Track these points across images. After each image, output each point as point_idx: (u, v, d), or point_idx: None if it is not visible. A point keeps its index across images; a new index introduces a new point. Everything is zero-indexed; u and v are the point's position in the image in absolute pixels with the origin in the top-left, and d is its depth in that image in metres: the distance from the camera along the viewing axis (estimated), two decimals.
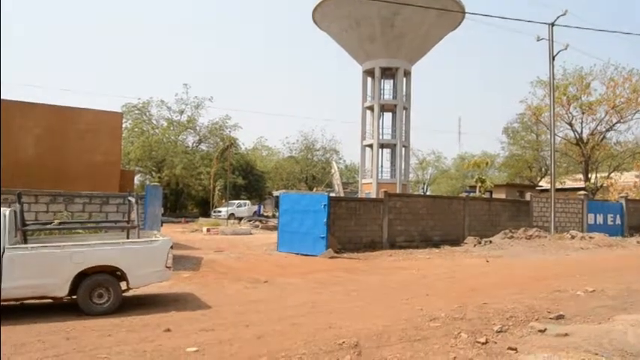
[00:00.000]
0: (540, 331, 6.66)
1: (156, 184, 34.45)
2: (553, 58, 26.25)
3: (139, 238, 8.66)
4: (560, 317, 7.41)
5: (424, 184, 76.92)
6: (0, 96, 15.41)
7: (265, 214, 49.88)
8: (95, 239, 8.87)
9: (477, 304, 8.28)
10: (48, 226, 9.90)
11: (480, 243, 20.60)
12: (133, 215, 9.10)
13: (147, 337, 6.07)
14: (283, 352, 5.48)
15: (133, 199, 9.25)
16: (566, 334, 6.47)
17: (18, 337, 6.00)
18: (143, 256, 8.13)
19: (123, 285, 8.02)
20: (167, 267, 8.29)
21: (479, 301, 8.62)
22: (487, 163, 43.40)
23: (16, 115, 18.62)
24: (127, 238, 8.74)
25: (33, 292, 7.49)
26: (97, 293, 7.63)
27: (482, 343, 5.98)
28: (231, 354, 5.40)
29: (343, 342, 5.85)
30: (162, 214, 16.80)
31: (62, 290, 7.47)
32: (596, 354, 5.59)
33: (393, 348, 5.76)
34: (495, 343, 6.07)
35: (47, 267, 7.39)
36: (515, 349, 5.74)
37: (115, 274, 7.88)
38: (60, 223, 9.84)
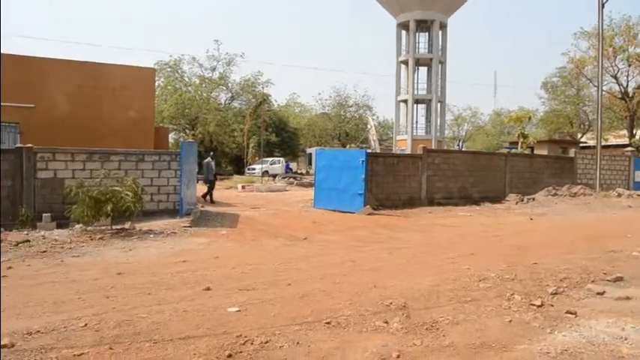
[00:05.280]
0: (599, 293, 6.24)
1: (191, 140, 34.46)
2: (603, 6, 24.72)
3: None
4: (618, 279, 6.93)
5: (460, 140, 75.34)
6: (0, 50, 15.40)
7: (299, 171, 49.73)
8: None
9: (526, 264, 7.87)
10: None
11: (522, 200, 19.95)
12: None
13: (186, 296, 5.90)
14: (328, 312, 5.22)
15: None
16: (627, 298, 6.04)
17: (58, 295, 5.91)
18: None
19: None
20: None
21: (528, 260, 8.20)
22: (530, 118, 42.00)
23: (51, 73, 18.63)
24: None
25: None
26: None
27: (538, 306, 5.61)
28: (274, 314, 5.17)
29: (391, 303, 5.56)
30: (197, 172, 16.68)
31: None
32: None
33: (443, 309, 5.44)
34: (552, 305, 5.69)
35: None
36: (575, 314, 5.35)
37: None
38: None
